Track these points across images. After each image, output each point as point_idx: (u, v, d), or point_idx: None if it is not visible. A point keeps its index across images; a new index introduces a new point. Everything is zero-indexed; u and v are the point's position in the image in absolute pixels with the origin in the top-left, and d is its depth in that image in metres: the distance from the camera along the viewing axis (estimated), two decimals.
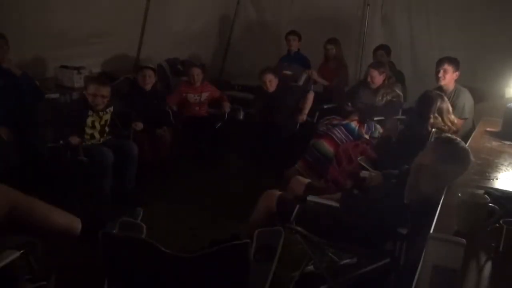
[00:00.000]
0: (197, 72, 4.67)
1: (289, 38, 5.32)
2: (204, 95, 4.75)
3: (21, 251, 1.78)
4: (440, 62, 3.79)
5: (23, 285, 1.86)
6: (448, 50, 4.11)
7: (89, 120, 3.58)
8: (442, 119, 3.35)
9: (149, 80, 4.20)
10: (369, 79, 4.19)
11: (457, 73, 3.77)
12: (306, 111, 4.62)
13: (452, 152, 2.10)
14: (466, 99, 3.76)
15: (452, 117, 3.41)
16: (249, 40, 6.16)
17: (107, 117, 3.69)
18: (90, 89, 3.53)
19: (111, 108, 3.70)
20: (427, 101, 3.38)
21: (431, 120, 3.33)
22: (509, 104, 3.34)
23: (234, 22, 6.27)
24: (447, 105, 3.39)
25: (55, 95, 4.03)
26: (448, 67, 3.74)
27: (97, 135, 3.65)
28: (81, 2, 4.38)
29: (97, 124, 3.63)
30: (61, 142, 3.37)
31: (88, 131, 3.60)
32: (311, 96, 4.68)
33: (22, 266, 1.85)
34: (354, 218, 2.40)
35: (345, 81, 5.18)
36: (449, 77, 3.76)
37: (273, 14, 6.07)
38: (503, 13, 4.50)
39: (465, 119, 3.74)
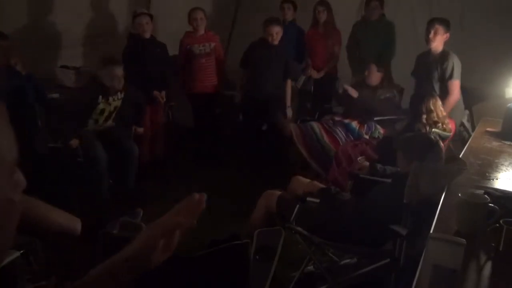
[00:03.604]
0: (200, 16, 4.18)
1: (284, 6, 4.94)
2: (211, 45, 4.33)
3: (21, 251, 1.78)
4: (431, 23, 3.73)
5: (23, 285, 1.86)
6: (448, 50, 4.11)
7: (99, 108, 3.49)
8: (437, 114, 3.51)
9: (147, 27, 4.00)
10: (366, 73, 4.25)
11: (447, 34, 3.72)
12: (289, 102, 4.45)
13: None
14: (455, 61, 3.72)
15: (443, 110, 3.56)
16: (250, 38, 6.14)
17: (117, 103, 3.58)
18: (107, 70, 3.40)
19: (122, 95, 3.58)
20: (416, 99, 3.62)
21: (424, 115, 3.50)
22: (509, 104, 3.34)
23: (235, 20, 6.27)
24: (437, 100, 3.55)
25: (55, 95, 4.02)
26: (439, 27, 3.68)
27: (101, 121, 3.58)
28: (81, 2, 4.38)
29: (106, 112, 3.55)
30: (59, 142, 3.37)
31: (94, 116, 3.53)
32: (289, 84, 4.45)
33: (22, 266, 1.85)
34: (353, 218, 2.41)
35: (338, 51, 4.88)
36: (439, 39, 3.71)
37: (274, 13, 6.05)
38: (504, 13, 4.50)
39: (457, 80, 3.71)
